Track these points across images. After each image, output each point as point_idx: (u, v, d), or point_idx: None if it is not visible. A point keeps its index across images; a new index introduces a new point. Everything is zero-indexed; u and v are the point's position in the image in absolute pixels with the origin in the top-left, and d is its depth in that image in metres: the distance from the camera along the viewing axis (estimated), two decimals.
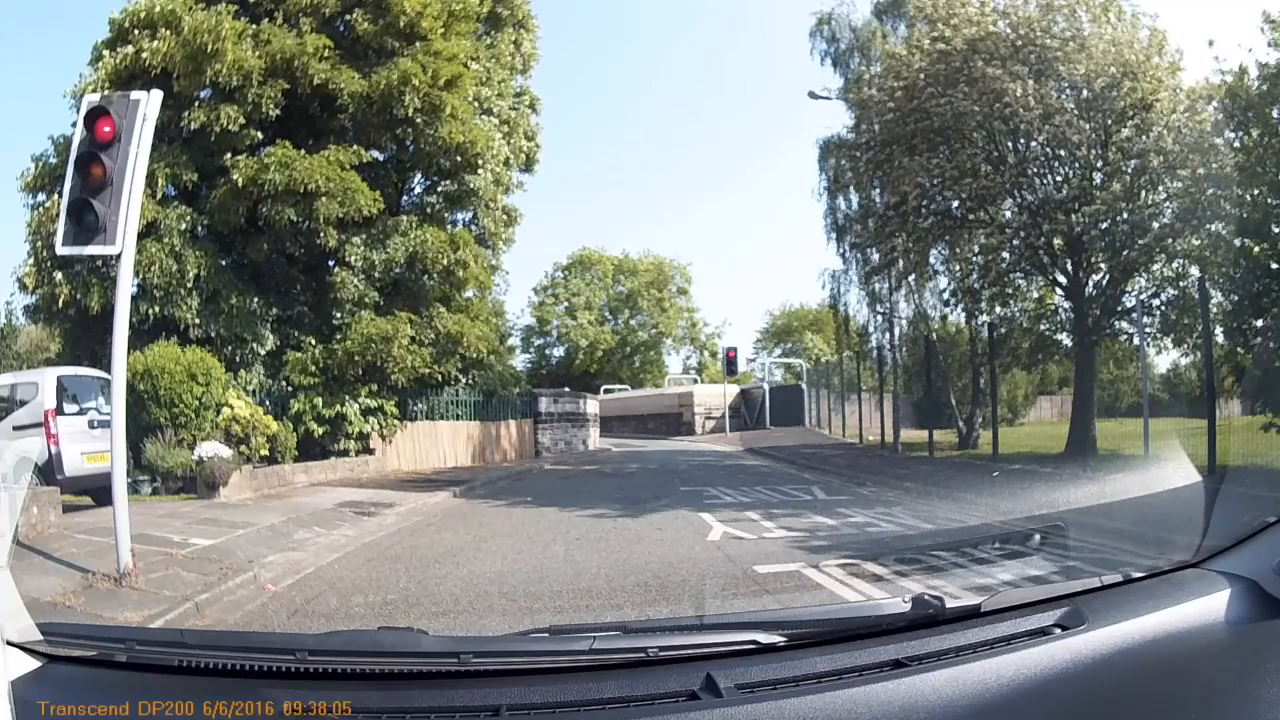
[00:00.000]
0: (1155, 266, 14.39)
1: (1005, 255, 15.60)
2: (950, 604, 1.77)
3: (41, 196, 14.97)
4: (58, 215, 6.98)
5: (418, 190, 19.56)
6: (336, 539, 8.42)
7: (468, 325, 17.60)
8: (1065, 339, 16.10)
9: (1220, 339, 12.11)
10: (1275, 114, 11.11)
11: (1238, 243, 11.75)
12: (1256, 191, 11.30)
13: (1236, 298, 11.51)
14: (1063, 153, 14.52)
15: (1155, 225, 13.62)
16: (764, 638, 1.64)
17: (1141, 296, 14.37)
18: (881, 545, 7.11)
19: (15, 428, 10.26)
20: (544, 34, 22.21)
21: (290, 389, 15.62)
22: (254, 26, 15.36)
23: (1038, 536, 4.83)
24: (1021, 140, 14.78)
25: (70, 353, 15.05)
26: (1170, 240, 13.51)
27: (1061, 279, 15.12)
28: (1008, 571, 4.62)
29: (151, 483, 11.55)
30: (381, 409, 16.67)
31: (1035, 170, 14.86)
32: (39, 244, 14.09)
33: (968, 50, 13.94)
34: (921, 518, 8.92)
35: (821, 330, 46.15)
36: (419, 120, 15.77)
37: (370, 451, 16.64)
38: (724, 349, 41.54)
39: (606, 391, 43.20)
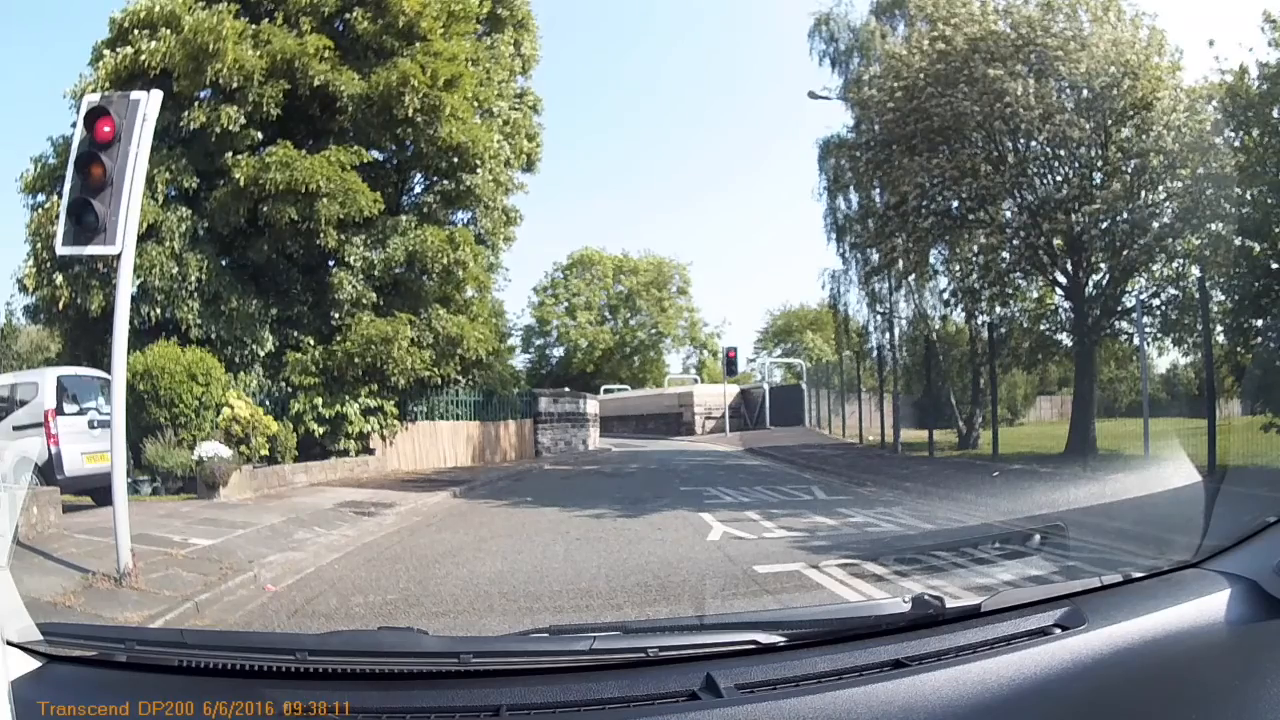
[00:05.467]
0: (1155, 266, 14.40)
1: (1005, 255, 15.61)
2: (950, 604, 1.77)
3: (41, 197, 14.95)
4: (58, 216, 6.98)
5: (417, 190, 19.57)
6: (336, 539, 8.42)
7: (467, 327, 17.60)
8: (1065, 339, 16.10)
9: (1220, 339, 12.11)
10: (1275, 114, 11.11)
11: (1238, 243, 11.76)
12: (1256, 191, 11.31)
13: (1236, 298, 11.51)
14: (1063, 152, 14.52)
15: (1155, 225, 13.63)
16: (764, 638, 1.64)
17: (1141, 296, 14.36)
18: (881, 545, 7.10)
19: (15, 428, 10.25)
20: (544, 35, 22.23)
21: (290, 389, 15.62)
22: (254, 26, 15.33)
23: (1038, 536, 4.84)
24: (1021, 140, 14.77)
25: (70, 353, 15.03)
26: (1170, 240, 13.52)
27: (1061, 279, 15.13)
28: (1008, 571, 4.62)
29: (151, 483, 11.55)
30: (381, 409, 16.66)
31: (1035, 170, 14.86)
32: (39, 245, 14.07)
33: (968, 50, 13.93)
34: (921, 518, 8.91)
35: (821, 330, 46.13)
36: (419, 120, 15.76)
37: (370, 451, 16.65)
38: (724, 349, 41.56)
39: (606, 391, 43.19)
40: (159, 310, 14.25)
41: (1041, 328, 16.41)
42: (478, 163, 17.69)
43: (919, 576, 5.47)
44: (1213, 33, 33.39)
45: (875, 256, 19.82)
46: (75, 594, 5.55)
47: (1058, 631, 1.66)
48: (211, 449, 11.26)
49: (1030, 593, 1.97)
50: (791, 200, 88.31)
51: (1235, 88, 11.67)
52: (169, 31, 14.47)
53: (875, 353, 23.23)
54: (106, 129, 5.85)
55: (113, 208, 5.79)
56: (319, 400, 15.60)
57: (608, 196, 77.89)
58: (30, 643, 1.63)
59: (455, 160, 17.27)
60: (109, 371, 6.46)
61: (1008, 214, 15.62)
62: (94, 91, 11.42)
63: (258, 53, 14.87)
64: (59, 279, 13.85)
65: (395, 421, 17.11)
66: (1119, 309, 14.87)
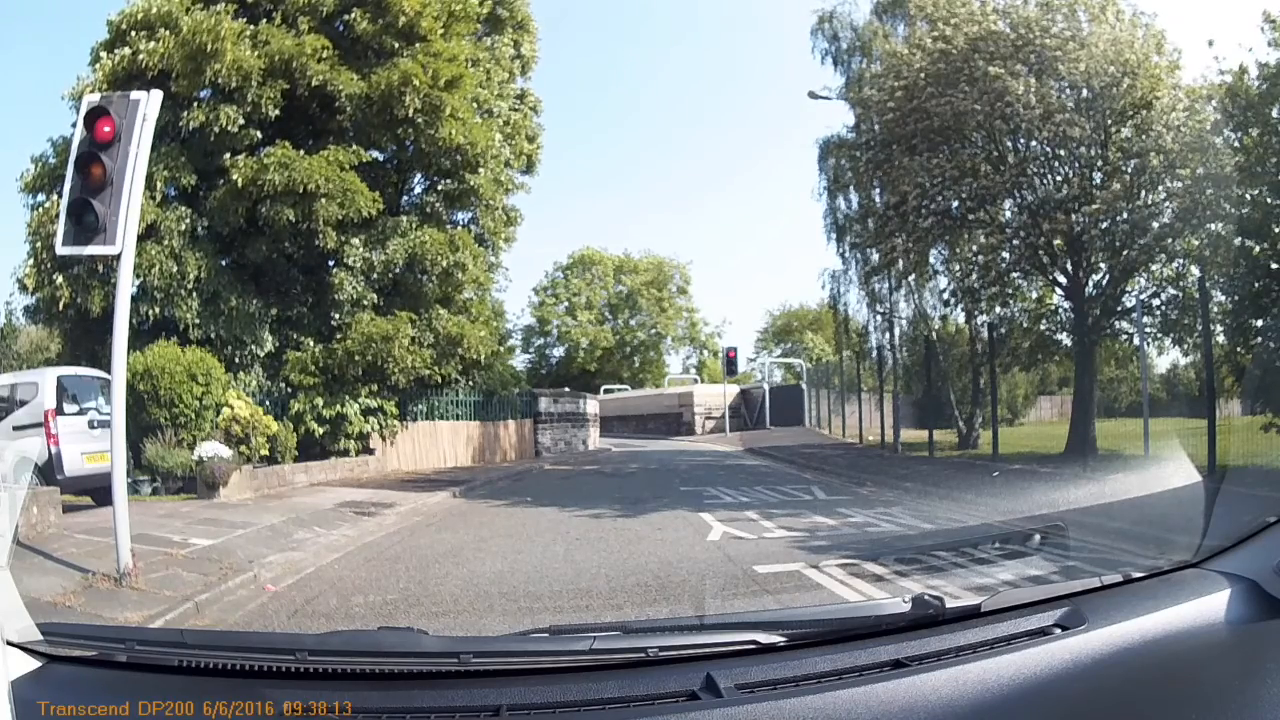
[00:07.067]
0: (1155, 266, 14.40)
1: (1005, 255, 15.61)
2: (950, 604, 1.77)
3: (41, 197, 14.96)
4: (57, 216, 6.98)
5: (417, 190, 19.58)
6: (336, 539, 8.42)
7: (468, 327, 17.61)
8: (1065, 339, 16.10)
9: (1220, 339, 12.11)
10: (1275, 113, 11.11)
11: (1238, 243, 11.76)
12: (1256, 191, 11.31)
13: (1236, 298, 11.51)
14: (1063, 152, 14.53)
15: (1155, 225, 13.63)
16: (764, 638, 1.64)
17: (1141, 296, 14.37)
18: (881, 545, 7.10)
19: (15, 428, 10.25)
20: (544, 36, 22.25)
21: (290, 389, 15.62)
22: (253, 27, 15.35)
23: (1038, 536, 4.84)
24: (1022, 140, 14.78)
25: (70, 353, 15.03)
26: (1170, 240, 13.52)
27: (1061, 279, 15.12)
28: (1008, 571, 4.62)
29: (151, 483, 11.55)
30: (381, 409, 16.67)
31: (1035, 170, 14.86)
32: (39, 245, 14.06)
33: (968, 49, 13.94)
34: (921, 518, 8.91)
35: (821, 330, 46.15)
36: (419, 120, 15.77)
37: (370, 451, 16.65)
38: (724, 349, 41.57)
39: (606, 391, 43.18)
40: (158, 309, 14.26)
41: (1041, 328, 16.40)
42: (478, 163, 17.69)
43: (919, 576, 5.47)
44: (1212, 33, 33.41)
45: (875, 256, 19.82)
46: (75, 594, 5.55)
47: (1058, 631, 1.66)
48: (211, 449, 11.26)
49: (1030, 593, 1.97)
50: (791, 200, 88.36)
51: (1235, 88, 11.67)
52: (167, 32, 14.48)
53: (875, 353, 23.23)
54: (106, 129, 5.85)
55: (113, 208, 5.79)
56: (319, 400, 15.60)
57: (608, 196, 77.93)
58: (30, 643, 1.63)
59: (456, 160, 17.27)
60: (109, 371, 6.46)
61: (1008, 214, 15.63)
62: (93, 92, 11.41)
63: (256, 53, 14.88)
64: (59, 279, 13.85)
65: (395, 421, 17.11)
66: (1119, 309, 14.86)
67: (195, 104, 14.79)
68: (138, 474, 11.16)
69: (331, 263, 16.57)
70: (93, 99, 6.24)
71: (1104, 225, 13.79)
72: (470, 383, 19.70)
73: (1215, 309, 12.08)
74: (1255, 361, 11.01)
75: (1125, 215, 13.65)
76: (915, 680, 1.48)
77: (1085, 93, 13.85)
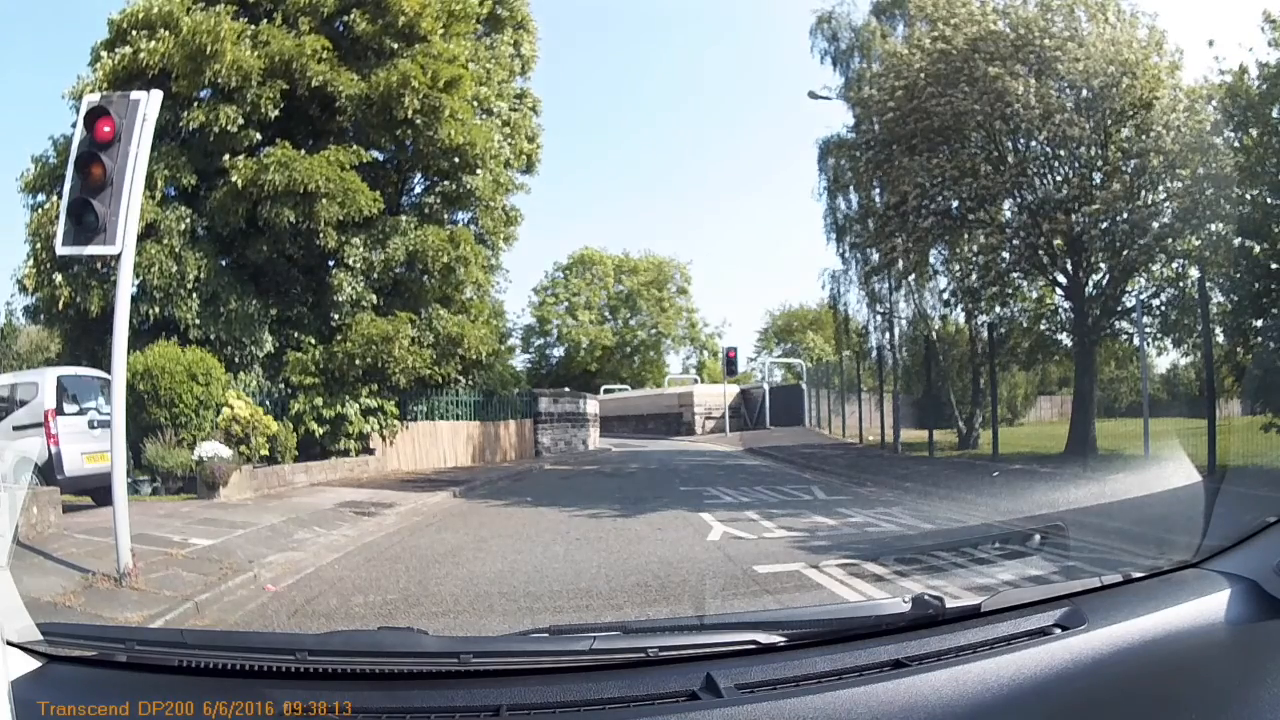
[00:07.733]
0: (1155, 266, 14.40)
1: (1005, 255, 15.61)
2: (950, 604, 1.77)
3: (41, 197, 14.97)
4: (57, 216, 6.98)
5: (417, 190, 19.58)
6: (336, 539, 8.42)
7: (468, 327, 17.62)
8: (1065, 339, 16.11)
9: (1220, 339, 12.11)
10: (1275, 113, 11.10)
11: (1238, 243, 11.76)
12: (1256, 191, 11.30)
13: (1236, 298, 11.51)
14: (1063, 152, 14.53)
15: (1155, 225, 13.63)
16: (764, 638, 1.64)
17: (1141, 296, 14.37)
18: (881, 545, 7.10)
19: (15, 428, 10.25)
20: (543, 35, 22.22)
21: (290, 389, 15.62)
22: (253, 27, 15.36)
23: (1038, 536, 4.84)
24: (1022, 140, 14.79)
25: (70, 353, 15.02)
26: (1170, 240, 13.52)
27: (1061, 279, 15.13)
28: (1008, 571, 4.62)
29: (151, 483, 11.55)
30: (381, 409, 16.67)
31: (1035, 170, 14.87)
32: (39, 245, 14.07)
33: (968, 49, 13.95)
34: (921, 518, 8.91)
35: (821, 330, 46.15)
36: (419, 121, 15.77)
37: (370, 451, 16.65)
38: (724, 349, 41.59)
39: (606, 391, 43.19)
40: (158, 309, 14.25)
41: (1041, 328, 16.41)
42: (478, 164, 17.69)
43: (919, 576, 5.47)
44: (1212, 33, 33.41)
45: (875, 256, 19.83)
46: (75, 594, 5.55)
47: (1058, 631, 1.66)
48: (211, 449, 11.26)
49: (1030, 593, 1.97)
50: (791, 200, 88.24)
51: (1235, 88, 11.66)
52: (167, 32, 14.48)
53: (875, 353, 23.23)
54: (106, 129, 5.85)
55: (113, 208, 5.79)
56: (319, 400, 15.59)
57: (608, 196, 77.95)
58: (30, 643, 1.63)
59: (456, 161, 17.27)
60: (109, 371, 6.46)
61: (1008, 214, 15.64)
62: (93, 92, 11.40)
63: (256, 53, 14.88)
64: (59, 279, 13.84)
65: (395, 421, 17.11)
66: (1119, 309, 14.87)
67: (195, 104, 14.80)
68: (138, 474, 11.16)
69: (331, 263, 16.56)
70: (93, 99, 6.24)
71: (1104, 225, 13.80)
72: (470, 383, 19.69)
73: (1215, 309, 12.08)
74: (1255, 361, 11.01)
75: (1125, 215, 13.65)
76: (915, 680, 1.48)
77: (1085, 93, 13.86)
